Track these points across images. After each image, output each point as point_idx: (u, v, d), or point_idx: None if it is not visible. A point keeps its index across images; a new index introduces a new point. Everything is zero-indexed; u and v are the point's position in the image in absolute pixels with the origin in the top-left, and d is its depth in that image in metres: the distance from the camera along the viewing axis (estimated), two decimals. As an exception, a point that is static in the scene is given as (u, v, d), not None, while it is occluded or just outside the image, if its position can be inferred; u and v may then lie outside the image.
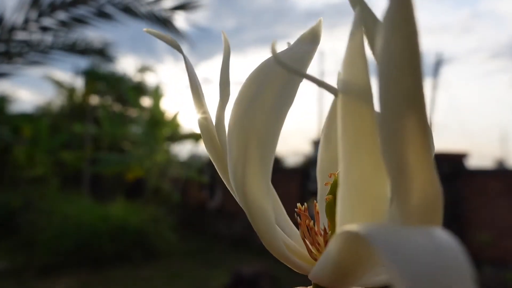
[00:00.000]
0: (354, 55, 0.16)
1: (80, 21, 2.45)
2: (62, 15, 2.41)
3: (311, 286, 0.22)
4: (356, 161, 0.16)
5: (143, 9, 2.49)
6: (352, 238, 0.16)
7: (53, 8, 2.33)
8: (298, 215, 0.24)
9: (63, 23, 2.44)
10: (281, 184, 4.99)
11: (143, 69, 8.08)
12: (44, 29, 2.43)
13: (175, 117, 5.84)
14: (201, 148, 7.20)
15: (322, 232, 0.24)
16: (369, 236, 0.12)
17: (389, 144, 0.14)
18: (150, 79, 10.93)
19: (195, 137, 5.97)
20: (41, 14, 2.33)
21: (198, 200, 6.78)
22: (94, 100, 7.99)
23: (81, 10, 2.41)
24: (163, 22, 2.57)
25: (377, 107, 0.16)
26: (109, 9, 2.42)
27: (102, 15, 2.43)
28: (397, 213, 0.20)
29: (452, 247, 0.11)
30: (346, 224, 0.16)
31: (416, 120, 0.14)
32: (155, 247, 4.20)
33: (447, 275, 0.11)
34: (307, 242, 0.23)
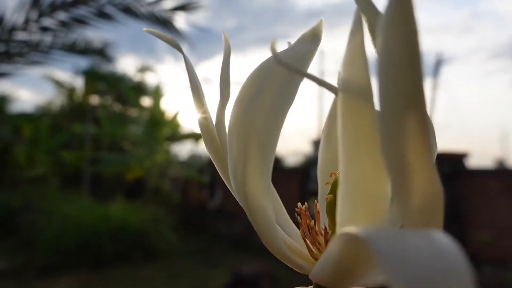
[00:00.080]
0: (354, 54, 0.16)
1: (80, 21, 2.45)
2: (62, 15, 2.41)
3: (312, 286, 0.22)
4: (356, 161, 0.16)
5: (144, 10, 2.49)
6: (352, 239, 0.16)
7: (53, 8, 2.32)
8: (299, 214, 0.24)
9: (63, 24, 2.44)
10: (281, 184, 4.99)
11: (143, 69, 8.08)
12: (44, 29, 2.43)
13: (175, 117, 5.84)
14: (201, 148, 7.21)
15: (323, 232, 0.23)
16: (368, 239, 0.12)
17: (389, 144, 0.14)
18: (150, 79, 10.93)
19: (195, 137, 5.97)
20: (41, 14, 2.33)
21: (198, 200, 6.78)
22: (94, 100, 7.99)
23: (81, 11, 2.41)
24: (163, 22, 2.57)
25: (377, 106, 0.16)
26: (110, 9, 2.42)
27: (103, 15, 2.43)
28: (397, 213, 0.20)
29: (451, 251, 0.11)
30: (346, 224, 0.16)
31: (416, 119, 0.13)
32: (155, 247, 4.20)
33: (446, 279, 0.10)
34: (308, 242, 0.23)
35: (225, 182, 0.25)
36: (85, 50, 2.93)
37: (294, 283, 0.25)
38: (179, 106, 7.27)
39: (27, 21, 2.31)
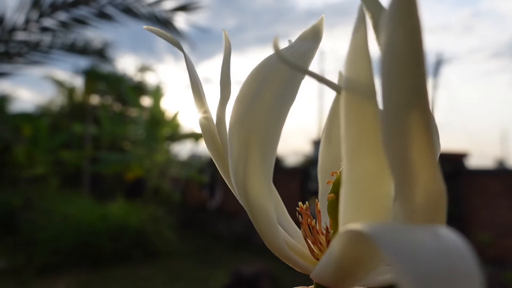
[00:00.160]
0: (357, 52, 0.16)
1: (80, 21, 2.45)
2: (62, 16, 2.41)
3: (313, 286, 0.22)
4: (359, 159, 0.16)
5: (144, 10, 2.49)
6: (356, 237, 0.15)
7: (54, 9, 2.32)
8: (300, 214, 0.24)
9: (63, 24, 2.44)
10: (282, 183, 4.99)
11: (143, 69, 8.08)
12: (45, 29, 2.43)
13: (175, 116, 5.84)
14: (201, 148, 7.21)
15: (324, 231, 0.23)
16: (374, 235, 0.12)
17: (392, 141, 0.14)
18: (150, 79, 10.93)
19: (195, 136, 5.97)
20: (42, 15, 2.33)
21: (198, 200, 6.79)
22: (94, 99, 7.99)
23: (81, 11, 2.41)
24: (164, 23, 2.57)
25: (380, 104, 0.15)
26: (110, 10, 2.42)
27: (103, 16, 2.43)
28: (400, 212, 0.20)
29: (459, 246, 0.11)
30: (349, 223, 0.16)
31: (419, 117, 0.13)
32: (155, 247, 4.20)
33: (454, 275, 0.10)
34: (309, 241, 0.23)
35: (226, 182, 0.25)
36: (84, 50, 2.93)
37: (294, 283, 0.25)
38: (179, 106, 7.28)
39: (27, 21, 2.31)
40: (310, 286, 0.23)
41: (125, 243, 3.99)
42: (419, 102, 0.13)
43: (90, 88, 7.54)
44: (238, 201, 0.23)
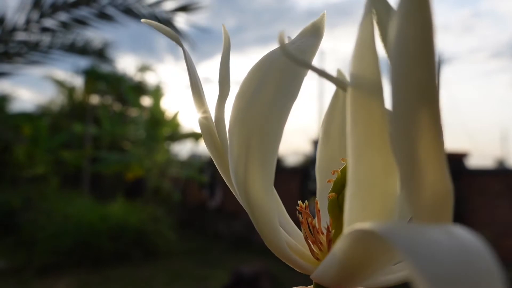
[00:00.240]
0: (364, 47, 0.16)
1: (81, 22, 2.45)
2: (63, 16, 2.41)
3: (312, 286, 0.22)
4: (366, 157, 0.16)
5: (144, 11, 2.49)
6: (364, 237, 0.15)
7: (54, 9, 2.32)
8: (300, 213, 0.24)
9: (64, 24, 2.44)
10: (281, 183, 4.99)
11: (143, 69, 8.08)
12: (45, 30, 2.43)
13: (175, 116, 5.84)
14: (201, 148, 7.21)
15: (324, 231, 0.23)
16: (388, 235, 0.11)
17: (400, 139, 0.13)
18: (150, 79, 10.93)
19: (195, 136, 5.97)
20: (42, 15, 2.33)
21: (198, 200, 6.79)
22: (94, 99, 8.00)
23: (82, 11, 2.41)
24: (164, 23, 2.56)
25: (387, 101, 0.15)
26: (111, 10, 2.42)
27: (103, 16, 2.43)
28: (405, 210, 0.19)
29: (477, 245, 0.11)
30: (354, 222, 0.16)
31: (429, 114, 0.13)
32: (155, 247, 4.20)
33: (475, 274, 0.10)
34: (309, 241, 0.23)
35: (226, 182, 0.24)
36: (84, 50, 2.93)
37: (294, 283, 0.24)
38: (179, 106, 7.28)
39: (28, 21, 2.31)
40: (309, 286, 0.23)
41: (125, 243, 3.99)
42: (430, 98, 0.13)
43: (90, 88, 7.54)
44: (238, 201, 0.23)
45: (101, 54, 3.23)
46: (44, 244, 3.76)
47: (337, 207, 0.22)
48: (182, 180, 6.36)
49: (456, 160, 4.13)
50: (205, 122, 0.25)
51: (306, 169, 5.33)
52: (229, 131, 0.21)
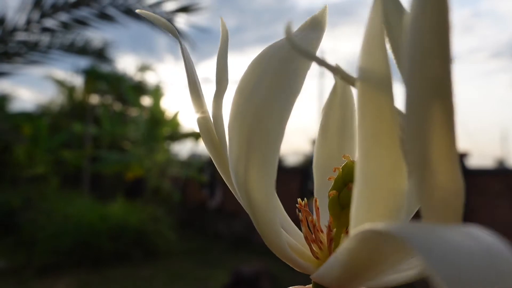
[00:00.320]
0: (373, 41, 0.15)
1: (81, 22, 2.46)
2: (64, 17, 2.41)
3: (310, 285, 0.21)
4: (374, 155, 0.15)
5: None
6: (375, 237, 0.14)
7: (55, 10, 2.32)
8: (300, 210, 0.23)
9: (64, 24, 2.44)
10: (281, 183, 4.97)
11: (143, 68, 8.08)
12: (46, 30, 2.43)
13: (175, 116, 5.85)
14: (201, 147, 7.21)
15: (324, 229, 0.22)
16: (406, 236, 0.10)
17: (413, 136, 0.13)
18: (150, 78, 10.93)
19: (195, 136, 5.97)
20: (43, 15, 2.33)
21: (198, 200, 6.79)
22: (94, 99, 8.00)
23: (83, 12, 2.41)
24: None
25: (397, 97, 0.15)
26: (111, 11, 2.42)
27: (104, 16, 2.43)
28: (410, 209, 0.19)
29: (499, 247, 0.10)
30: (361, 221, 0.16)
31: (443, 109, 0.12)
32: (155, 247, 4.20)
33: (498, 276, 0.09)
34: (309, 241, 0.22)
35: (226, 181, 0.24)
36: (83, 50, 2.93)
37: (294, 283, 0.24)
38: (179, 105, 7.28)
39: (28, 21, 2.31)
40: (307, 286, 0.22)
41: (125, 243, 3.99)
42: (445, 92, 0.12)
43: (90, 87, 7.54)
44: (238, 201, 0.22)
45: (100, 54, 3.23)
46: (44, 244, 3.76)
47: (338, 205, 0.21)
48: (182, 180, 6.36)
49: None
50: (202, 118, 0.24)
51: (306, 169, 5.33)
52: (228, 128, 0.20)
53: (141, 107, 6.48)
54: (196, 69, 0.24)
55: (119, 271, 3.64)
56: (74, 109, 7.95)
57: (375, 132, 0.15)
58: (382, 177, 0.15)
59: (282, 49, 0.19)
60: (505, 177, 3.83)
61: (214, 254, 4.46)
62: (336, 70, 0.16)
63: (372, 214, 0.16)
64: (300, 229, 0.24)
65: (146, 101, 7.03)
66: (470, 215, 3.83)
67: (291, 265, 0.21)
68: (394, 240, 0.14)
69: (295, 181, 5.20)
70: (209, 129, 0.24)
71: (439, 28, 0.12)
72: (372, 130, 0.15)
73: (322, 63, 0.15)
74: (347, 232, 0.22)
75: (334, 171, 0.22)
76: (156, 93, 5.90)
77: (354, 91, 0.27)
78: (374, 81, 0.15)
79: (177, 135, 6.10)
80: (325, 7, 0.22)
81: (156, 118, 5.61)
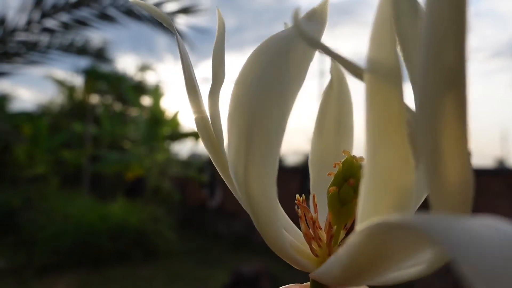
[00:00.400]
0: (382, 31, 0.15)
1: (82, 23, 2.46)
2: (64, 17, 2.41)
3: (308, 283, 0.21)
4: (382, 149, 0.15)
5: (145, 12, 2.49)
6: (385, 231, 0.14)
7: (56, 10, 2.33)
8: (298, 207, 0.23)
9: (65, 25, 2.45)
10: (281, 183, 4.97)
11: (143, 68, 8.09)
12: (46, 30, 2.43)
13: (175, 116, 5.85)
14: (201, 147, 7.21)
15: (323, 226, 0.22)
16: (428, 228, 0.10)
17: (426, 126, 0.13)
18: (150, 78, 10.93)
19: (195, 135, 5.97)
20: (43, 16, 2.33)
21: (198, 199, 6.78)
22: (94, 99, 8.00)
23: (83, 12, 2.42)
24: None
25: (406, 89, 0.15)
26: (112, 11, 2.42)
27: (104, 17, 2.44)
28: (417, 203, 0.19)
29: None
30: (367, 216, 0.15)
31: (457, 100, 0.12)
32: (155, 247, 4.20)
33: None
34: (309, 238, 0.22)
35: (225, 180, 0.23)
36: (83, 50, 2.93)
37: (294, 282, 0.24)
38: (179, 105, 7.27)
39: (29, 22, 2.32)
40: (305, 284, 0.22)
41: (125, 243, 3.99)
42: (459, 83, 0.12)
43: (90, 87, 7.54)
44: (238, 200, 0.22)
45: (100, 54, 3.23)
46: (44, 244, 3.76)
47: (338, 201, 0.21)
48: (182, 179, 6.36)
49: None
50: (201, 122, 0.23)
51: (306, 169, 5.32)
52: (227, 121, 0.19)
53: (141, 107, 6.48)
54: (192, 64, 0.24)
55: (119, 271, 3.64)
56: (74, 109, 7.95)
57: (383, 125, 0.15)
58: (390, 172, 0.15)
59: (284, 39, 0.18)
60: (505, 177, 3.82)
61: (214, 254, 4.46)
62: (343, 60, 0.15)
63: (380, 209, 0.15)
64: (298, 226, 0.23)
65: (146, 101, 7.04)
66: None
67: (290, 263, 0.21)
68: (406, 234, 0.13)
69: (295, 181, 5.20)
70: (206, 125, 0.23)
71: (457, 20, 0.12)
72: (380, 123, 0.15)
73: (328, 51, 0.15)
74: (346, 229, 0.22)
75: (334, 166, 0.22)
76: (156, 93, 5.90)
77: (350, 86, 0.27)
78: (383, 73, 0.14)
79: (177, 135, 6.10)
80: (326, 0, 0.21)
81: (156, 118, 5.61)
